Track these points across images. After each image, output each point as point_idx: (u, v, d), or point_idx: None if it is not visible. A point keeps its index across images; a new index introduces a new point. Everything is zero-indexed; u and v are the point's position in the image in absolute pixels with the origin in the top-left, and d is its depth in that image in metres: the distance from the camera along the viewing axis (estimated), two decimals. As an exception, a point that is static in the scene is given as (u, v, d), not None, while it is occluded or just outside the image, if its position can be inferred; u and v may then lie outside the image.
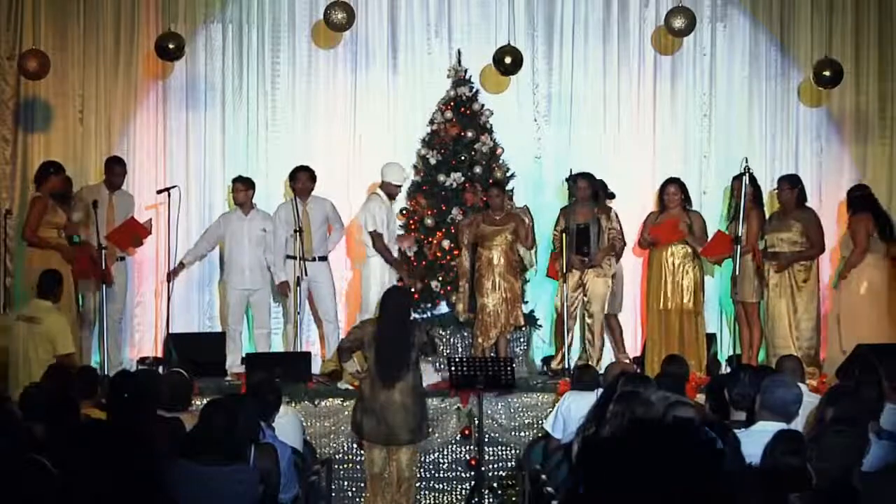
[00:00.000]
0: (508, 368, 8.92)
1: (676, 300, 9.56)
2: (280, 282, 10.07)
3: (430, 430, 8.64)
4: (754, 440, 5.03)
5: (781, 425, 5.28)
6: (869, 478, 4.34)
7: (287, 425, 7.12)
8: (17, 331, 8.64)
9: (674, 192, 9.72)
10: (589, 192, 9.85)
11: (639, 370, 9.23)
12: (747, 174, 9.41)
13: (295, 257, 9.81)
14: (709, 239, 9.65)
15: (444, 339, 10.15)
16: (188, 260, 10.28)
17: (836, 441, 4.49)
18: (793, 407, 5.55)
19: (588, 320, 9.89)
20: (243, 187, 10.10)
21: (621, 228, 9.93)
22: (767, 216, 9.91)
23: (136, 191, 10.81)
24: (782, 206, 9.69)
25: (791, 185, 9.65)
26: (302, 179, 10.08)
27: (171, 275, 10.15)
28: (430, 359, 8.78)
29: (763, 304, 9.73)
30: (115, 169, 10.11)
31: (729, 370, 9.70)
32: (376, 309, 8.76)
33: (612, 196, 10.22)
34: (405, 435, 8.23)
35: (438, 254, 10.29)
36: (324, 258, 10.13)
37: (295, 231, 9.86)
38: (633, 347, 10.48)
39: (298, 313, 9.90)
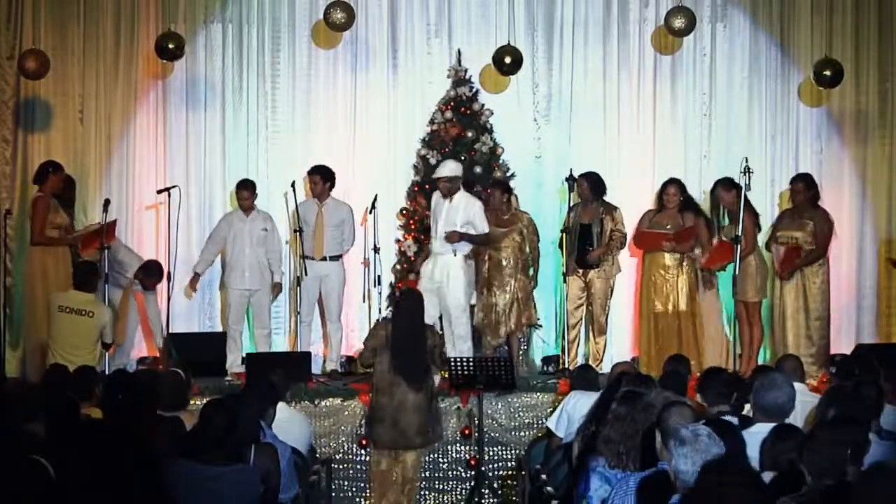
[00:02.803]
0: (508, 368, 8.92)
1: (671, 302, 9.56)
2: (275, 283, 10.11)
3: (443, 431, 8.70)
4: (751, 443, 5.01)
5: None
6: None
7: (294, 427, 7.12)
8: (61, 321, 8.92)
9: (673, 193, 9.73)
10: (589, 192, 9.85)
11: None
12: (747, 174, 9.40)
13: (303, 256, 9.82)
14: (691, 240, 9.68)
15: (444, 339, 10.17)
16: (201, 269, 10.16)
17: (828, 438, 4.47)
18: (787, 406, 5.54)
19: (601, 318, 9.91)
20: (248, 194, 10.02)
21: (625, 230, 9.93)
22: (778, 214, 10.03)
23: (136, 191, 10.83)
24: (795, 205, 9.68)
25: (808, 185, 9.65)
26: (313, 180, 10.07)
27: (190, 286, 10.22)
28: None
29: (767, 302, 9.73)
30: (152, 276, 10.03)
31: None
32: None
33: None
34: (417, 439, 8.31)
35: (438, 254, 10.27)
36: (336, 258, 10.11)
37: (294, 231, 9.87)
38: (634, 347, 10.48)
39: (298, 313, 9.92)
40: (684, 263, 9.60)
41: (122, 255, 9.96)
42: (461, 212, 9.38)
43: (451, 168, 9.58)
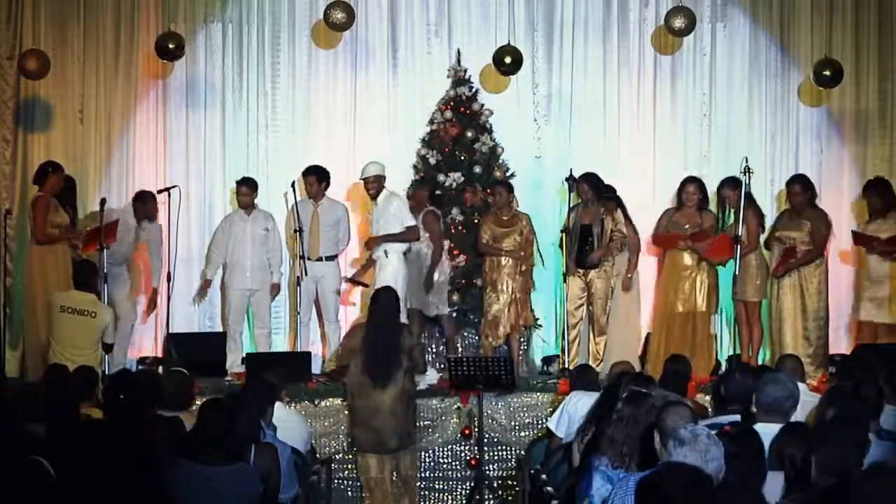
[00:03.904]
0: (508, 368, 8.91)
1: (690, 302, 9.53)
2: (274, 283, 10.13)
3: (420, 434, 8.66)
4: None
5: (779, 426, 5.26)
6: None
7: (293, 427, 7.11)
8: (63, 321, 8.89)
9: (693, 192, 9.69)
10: (591, 193, 9.82)
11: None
12: (748, 174, 9.41)
13: (302, 257, 9.82)
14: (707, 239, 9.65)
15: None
16: (211, 274, 10.16)
17: (841, 437, 4.47)
18: (787, 403, 5.51)
19: (601, 319, 9.89)
20: (248, 190, 10.06)
21: (625, 230, 9.89)
22: (777, 214, 10.02)
23: (136, 191, 10.80)
24: (794, 207, 9.69)
25: (804, 186, 9.65)
26: (308, 181, 10.07)
27: (200, 295, 10.33)
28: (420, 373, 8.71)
29: (766, 303, 9.72)
30: (150, 202, 10.06)
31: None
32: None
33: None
34: (393, 441, 8.19)
35: (438, 254, 10.28)
36: (331, 258, 10.11)
37: (295, 231, 9.87)
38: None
39: (298, 313, 9.92)
40: (703, 263, 9.58)
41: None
42: (388, 210, 9.40)
43: (377, 169, 9.57)
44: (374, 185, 9.48)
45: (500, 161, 10.58)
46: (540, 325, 10.38)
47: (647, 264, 10.68)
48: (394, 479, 8.46)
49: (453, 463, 9.05)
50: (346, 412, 8.77)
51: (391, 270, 9.35)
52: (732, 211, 9.60)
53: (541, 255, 10.02)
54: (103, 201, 9.63)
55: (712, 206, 9.96)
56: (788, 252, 9.51)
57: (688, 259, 9.59)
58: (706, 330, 9.57)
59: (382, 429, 8.10)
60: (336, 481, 8.85)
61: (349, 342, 8.37)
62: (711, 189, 10.09)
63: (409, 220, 9.40)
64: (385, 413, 8.09)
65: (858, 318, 9.96)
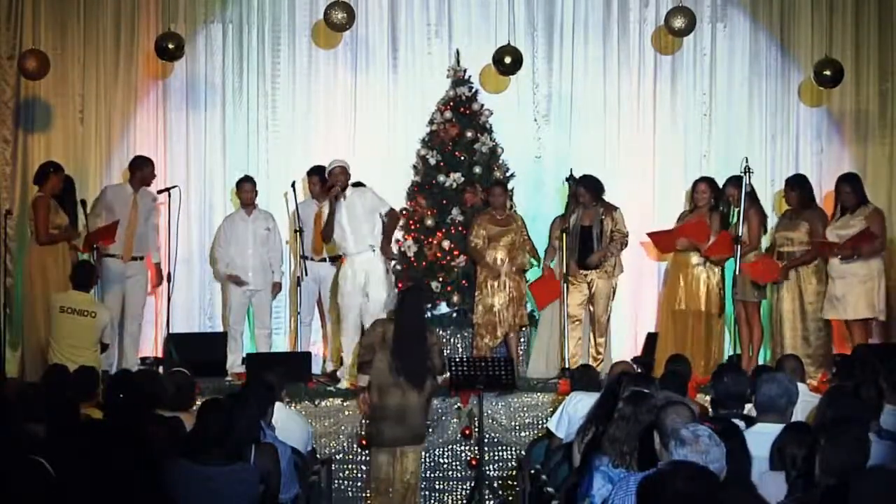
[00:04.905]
0: (509, 368, 8.91)
1: (695, 301, 9.52)
2: (275, 282, 10.14)
3: (430, 429, 8.73)
4: (754, 443, 5.00)
5: (779, 426, 5.27)
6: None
7: (294, 427, 7.11)
8: (62, 321, 8.92)
9: (703, 191, 9.66)
10: (588, 196, 9.81)
11: (639, 370, 9.20)
12: (748, 174, 9.40)
13: (303, 257, 9.81)
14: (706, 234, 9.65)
15: (444, 339, 10.16)
16: (223, 270, 10.10)
17: (839, 439, 4.47)
18: (781, 401, 5.51)
19: (602, 319, 9.87)
20: (251, 187, 10.08)
21: (625, 230, 9.88)
22: (777, 214, 10.00)
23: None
24: (792, 207, 9.68)
25: (800, 186, 9.62)
26: (312, 181, 10.08)
27: (238, 286, 10.09)
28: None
29: (766, 303, 9.71)
30: (146, 169, 10.03)
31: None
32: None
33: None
34: (422, 432, 8.35)
35: (438, 254, 10.29)
36: (334, 259, 10.10)
37: (295, 231, 9.87)
38: (633, 347, 10.47)
39: (298, 313, 9.92)
40: (708, 263, 9.56)
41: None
42: (364, 203, 9.37)
43: (342, 162, 9.49)
44: (340, 177, 9.37)
45: (500, 161, 10.58)
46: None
47: (649, 265, 10.69)
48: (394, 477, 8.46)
49: (453, 463, 9.05)
50: (347, 411, 8.78)
51: (382, 269, 9.39)
52: (736, 210, 9.60)
53: (536, 256, 10.02)
54: (83, 202, 9.66)
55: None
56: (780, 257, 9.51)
57: (695, 258, 9.58)
58: (713, 329, 9.56)
59: (414, 424, 8.21)
60: (336, 481, 8.85)
61: (369, 338, 8.38)
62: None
63: (385, 204, 9.45)
64: (415, 409, 8.19)
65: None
